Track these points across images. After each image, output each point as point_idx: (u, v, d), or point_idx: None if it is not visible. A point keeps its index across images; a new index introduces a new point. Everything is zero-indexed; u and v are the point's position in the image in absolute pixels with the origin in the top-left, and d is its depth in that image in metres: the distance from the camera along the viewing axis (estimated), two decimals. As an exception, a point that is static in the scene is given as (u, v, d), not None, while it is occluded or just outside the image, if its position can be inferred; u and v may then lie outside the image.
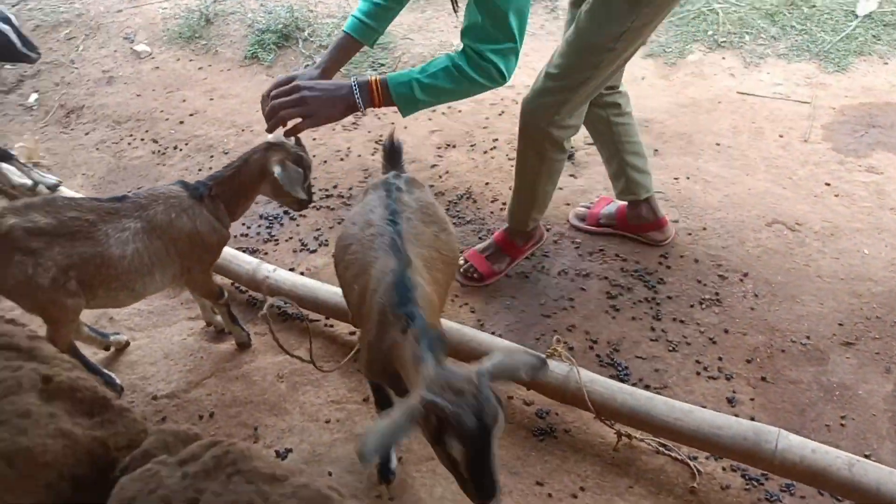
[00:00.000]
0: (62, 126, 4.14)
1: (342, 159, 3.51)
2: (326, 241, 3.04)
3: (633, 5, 2.03)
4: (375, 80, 1.87)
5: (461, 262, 2.70)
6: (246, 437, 2.20)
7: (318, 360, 2.47)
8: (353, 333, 2.56)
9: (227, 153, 3.66)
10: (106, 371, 2.39)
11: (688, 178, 3.14)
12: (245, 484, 0.79)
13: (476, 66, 1.84)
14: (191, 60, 4.46)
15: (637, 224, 2.82)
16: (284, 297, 2.52)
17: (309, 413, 2.28)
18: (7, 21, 2.91)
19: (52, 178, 3.25)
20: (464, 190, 3.21)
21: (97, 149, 3.89)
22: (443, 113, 3.72)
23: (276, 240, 3.09)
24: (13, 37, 2.90)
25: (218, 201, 2.24)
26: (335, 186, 3.34)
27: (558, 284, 2.72)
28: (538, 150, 2.40)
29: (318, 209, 3.21)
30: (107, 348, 2.60)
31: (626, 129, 2.64)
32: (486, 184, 3.22)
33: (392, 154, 2.20)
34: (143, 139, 3.90)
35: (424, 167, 3.38)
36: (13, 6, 5.26)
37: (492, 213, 3.07)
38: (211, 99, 4.11)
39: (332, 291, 2.48)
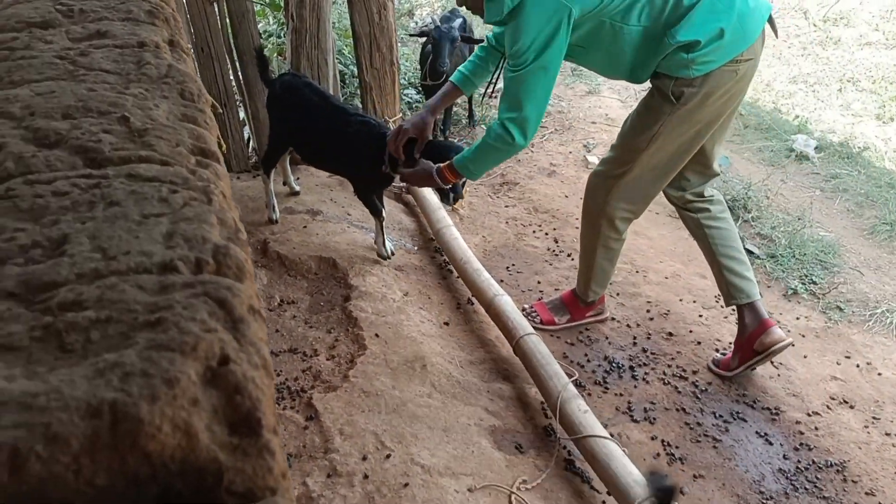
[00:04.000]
0: (493, 191, 4.46)
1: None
2: (656, 419, 2.65)
3: (659, 114, 2.26)
4: (446, 165, 2.51)
5: (526, 306, 3.08)
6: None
7: None
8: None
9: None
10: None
11: None
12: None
13: (496, 136, 2.28)
14: (628, 189, 4.45)
15: (748, 336, 2.70)
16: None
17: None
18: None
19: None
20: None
21: (506, 223, 4.08)
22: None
23: (607, 387, 2.81)
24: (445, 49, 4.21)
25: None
26: (696, 371, 2.94)
27: None
28: (592, 223, 2.71)
29: (665, 383, 2.84)
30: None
31: (720, 233, 2.70)
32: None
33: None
34: (546, 234, 3.97)
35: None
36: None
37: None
38: (625, 229, 4.02)
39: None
